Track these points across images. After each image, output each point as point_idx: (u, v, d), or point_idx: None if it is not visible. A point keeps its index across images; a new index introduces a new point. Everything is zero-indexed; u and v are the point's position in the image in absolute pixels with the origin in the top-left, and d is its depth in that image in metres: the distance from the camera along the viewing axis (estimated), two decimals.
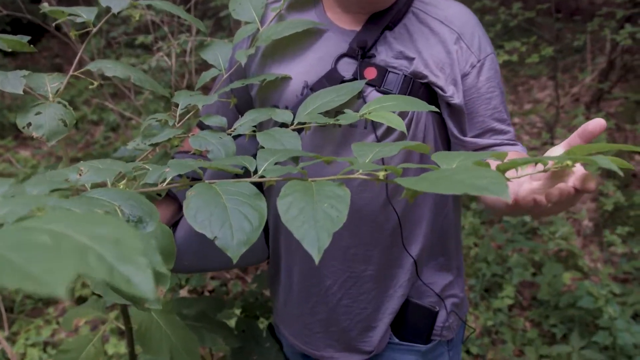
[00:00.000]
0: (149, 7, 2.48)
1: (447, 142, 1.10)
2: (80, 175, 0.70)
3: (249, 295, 1.66)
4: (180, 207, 1.12)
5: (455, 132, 1.05)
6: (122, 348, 2.38)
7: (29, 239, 0.30)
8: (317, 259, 0.57)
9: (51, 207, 0.47)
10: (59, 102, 0.95)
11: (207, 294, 2.57)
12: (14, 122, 4.05)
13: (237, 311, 1.96)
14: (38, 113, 0.91)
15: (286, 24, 1.08)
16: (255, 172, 0.75)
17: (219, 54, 1.10)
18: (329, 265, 1.10)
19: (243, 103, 1.15)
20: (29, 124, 0.90)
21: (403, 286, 1.11)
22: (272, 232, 1.19)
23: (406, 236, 1.09)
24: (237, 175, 0.89)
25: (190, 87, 2.63)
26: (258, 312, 1.59)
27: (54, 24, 1.13)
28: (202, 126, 1.17)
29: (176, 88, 2.68)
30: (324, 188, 0.64)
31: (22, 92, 0.90)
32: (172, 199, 1.12)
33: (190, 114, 1.01)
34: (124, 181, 0.77)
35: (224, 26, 3.75)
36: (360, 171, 0.69)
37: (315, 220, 0.60)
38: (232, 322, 1.58)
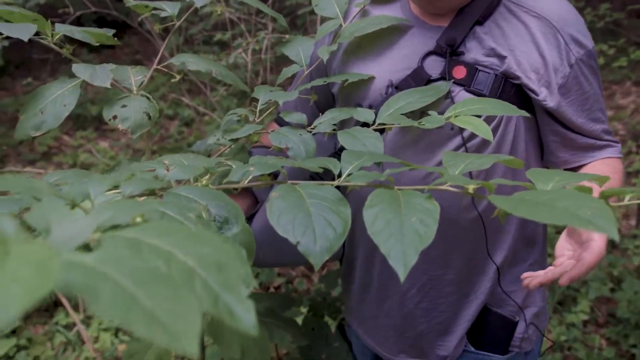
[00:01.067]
0: (227, 3, 2.51)
1: (539, 146, 1.05)
2: (167, 171, 0.70)
3: (317, 295, 1.65)
4: (256, 201, 1.11)
5: (553, 132, 1.00)
6: None
7: (149, 266, 0.29)
8: (402, 277, 0.55)
9: (149, 212, 0.46)
10: (143, 95, 0.96)
11: (272, 290, 2.59)
12: (96, 114, 4.23)
13: (304, 310, 1.96)
14: (124, 106, 0.92)
15: (370, 20, 1.05)
16: (339, 175, 0.73)
17: (301, 50, 1.09)
18: None
19: (323, 99, 1.13)
20: (115, 117, 0.91)
21: (484, 293, 1.07)
22: (350, 231, 1.17)
23: (491, 243, 1.04)
24: (316, 174, 0.87)
25: (264, 84, 2.64)
26: (325, 312, 1.58)
27: (138, 20, 1.15)
28: (279, 122, 1.16)
29: (251, 85, 2.70)
30: (412, 200, 0.61)
31: (109, 86, 0.92)
32: (248, 192, 1.12)
33: (270, 109, 1.00)
34: (207, 176, 0.77)
35: (298, 25, 3.76)
36: (449, 183, 0.66)
37: (402, 234, 0.57)
38: (298, 321, 1.58)
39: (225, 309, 0.32)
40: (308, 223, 0.62)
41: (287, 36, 1.23)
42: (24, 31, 0.91)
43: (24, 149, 4.85)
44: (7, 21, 0.98)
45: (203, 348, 1.20)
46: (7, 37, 0.90)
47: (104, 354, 2.39)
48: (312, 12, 2.70)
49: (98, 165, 4.13)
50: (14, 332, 2.57)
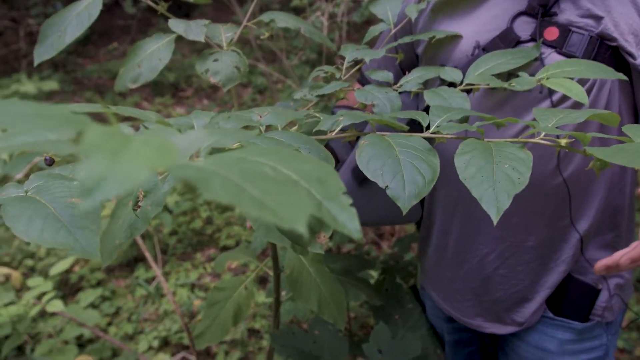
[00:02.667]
0: None
1: (634, 113, 1.01)
2: (260, 117, 0.72)
3: (390, 258, 1.66)
4: (337, 160, 1.13)
5: None
6: (261, 297, 2.50)
7: (256, 169, 0.31)
8: (495, 220, 0.56)
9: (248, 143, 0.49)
10: (234, 51, 0.99)
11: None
12: (173, 81, 4.35)
13: (374, 273, 1.98)
14: (216, 60, 0.96)
15: None
16: (428, 128, 0.73)
17: (389, 8, 1.08)
18: (488, 232, 1.06)
19: (407, 61, 1.13)
20: (207, 70, 0.95)
21: (565, 262, 1.05)
22: (429, 193, 1.17)
23: (575, 210, 1.02)
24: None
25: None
26: (398, 276, 1.59)
27: None
28: (362, 82, 1.17)
29: (327, 49, 2.70)
30: (503, 149, 0.61)
31: (203, 40, 0.95)
32: (329, 150, 1.14)
33: (357, 67, 1.01)
34: (295, 127, 0.79)
35: None
36: (543, 135, 0.65)
37: (494, 180, 0.58)
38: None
39: (328, 215, 0.34)
40: (397, 169, 0.63)
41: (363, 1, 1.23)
42: None
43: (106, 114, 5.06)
44: None
45: (278, 303, 1.24)
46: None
47: (180, 307, 2.51)
48: None
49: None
50: (99, 284, 2.73)
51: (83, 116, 0.32)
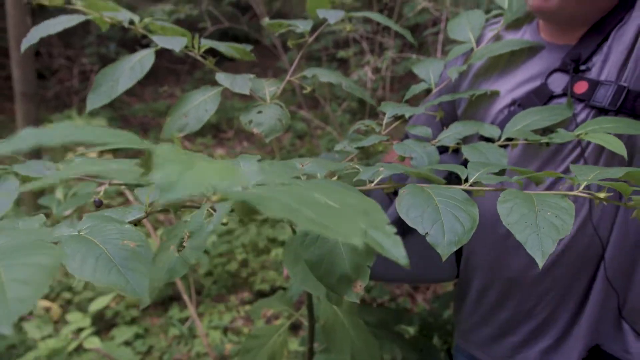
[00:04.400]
0: (350, 21, 2.59)
1: None
2: (302, 166, 0.75)
3: (428, 315, 1.64)
4: None
5: None
6: (294, 345, 2.49)
7: (311, 197, 0.33)
8: (540, 263, 0.58)
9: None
10: (277, 104, 1.03)
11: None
12: (215, 122, 4.47)
13: (410, 329, 1.96)
14: (259, 112, 0.99)
15: (502, 42, 1.07)
16: (466, 180, 0.75)
17: (430, 70, 1.11)
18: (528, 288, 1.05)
19: (449, 120, 1.15)
20: (251, 121, 0.99)
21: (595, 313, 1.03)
22: (465, 252, 1.17)
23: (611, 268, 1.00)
24: None
25: (382, 100, 2.70)
26: (436, 334, 1.57)
27: (275, 36, 1.22)
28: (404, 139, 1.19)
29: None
30: (545, 199, 0.63)
31: (248, 93, 0.99)
32: None
33: (396, 123, 1.03)
34: (334, 177, 0.82)
35: (418, 45, 3.79)
36: (582, 188, 0.66)
37: (538, 226, 0.60)
38: None
39: (374, 242, 0.36)
40: (437, 217, 0.65)
41: (413, 56, 1.27)
42: (176, 43, 1.01)
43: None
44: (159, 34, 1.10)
45: (312, 353, 1.24)
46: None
47: (212, 350, 2.51)
48: (436, 33, 2.74)
49: None
50: (133, 321, 2.77)
51: (146, 141, 0.36)
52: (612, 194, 0.65)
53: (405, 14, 2.74)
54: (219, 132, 5.31)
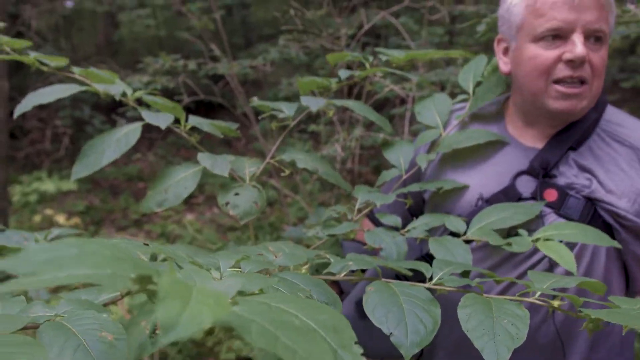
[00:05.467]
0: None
1: (621, 275, 1.06)
2: (275, 257, 0.78)
3: None
4: (340, 291, 1.17)
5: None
6: None
7: (284, 318, 0.37)
8: None
9: (268, 286, 0.55)
10: (254, 186, 1.07)
11: None
12: None
13: None
14: (236, 194, 1.03)
15: (468, 133, 1.13)
16: (430, 279, 0.79)
17: (401, 155, 1.16)
18: None
19: (415, 205, 1.20)
20: (227, 203, 1.02)
21: None
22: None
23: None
24: (404, 277, 0.94)
25: (351, 172, 2.80)
26: None
27: (260, 117, 1.25)
28: (372, 219, 1.23)
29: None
30: (502, 306, 0.67)
31: (227, 175, 1.03)
32: (335, 283, 1.18)
33: (367, 210, 1.08)
34: (306, 266, 0.85)
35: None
36: (537, 295, 0.71)
37: (494, 334, 0.63)
38: None
39: None
40: (401, 317, 0.68)
41: (380, 135, 1.33)
42: (163, 121, 1.05)
43: (118, 215, 5.17)
44: (148, 107, 1.14)
45: None
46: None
47: None
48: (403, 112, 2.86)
49: (185, 237, 4.34)
50: None
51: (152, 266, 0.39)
52: (566, 302, 0.69)
53: (373, 91, 2.88)
54: (190, 197, 5.30)
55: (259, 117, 1.23)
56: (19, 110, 1.04)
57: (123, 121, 3.01)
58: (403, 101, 2.74)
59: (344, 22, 2.48)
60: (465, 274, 0.82)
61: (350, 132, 2.45)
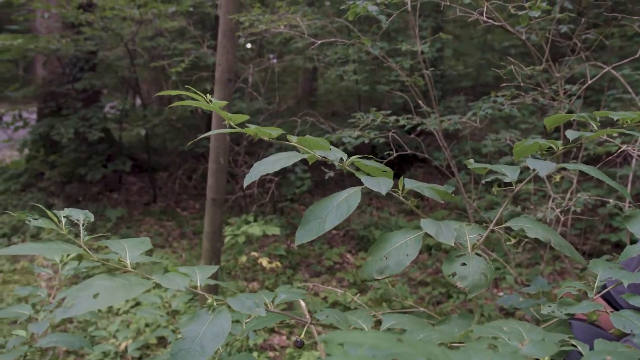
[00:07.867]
0: None
1: None
2: (521, 345, 0.71)
3: None
4: None
5: None
6: None
7: None
8: None
9: None
10: (479, 255, 1.01)
11: None
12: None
13: None
14: (463, 264, 0.98)
15: None
16: None
17: None
18: None
19: None
20: (454, 274, 0.97)
21: None
22: None
23: None
24: None
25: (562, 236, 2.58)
26: None
27: (483, 181, 1.21)
28: (607, 299, 1.10)
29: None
30: None
31: (453, 244, 0.99)
32: None
33: (608, 288, 0.96)
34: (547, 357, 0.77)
35: None
36: None
37: None
38: None
39: None
40: None
41: (610, 201, 1.19)
42: (383, 186, 1.05)
43: (313, 260, 5.37)
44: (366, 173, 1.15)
45: None
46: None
47: None
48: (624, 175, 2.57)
49: (379, 288, 4.35)
50: None
51: None
52: None
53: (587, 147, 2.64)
54: None
55: (482, 182, 1.18)
56: (248, 179, 1.11)
57: (331, 173, 3.12)
58: (625, 159, 2.47)
59: (562, 76, 2.32)
60: None
61: (568, 194, 2.26)
